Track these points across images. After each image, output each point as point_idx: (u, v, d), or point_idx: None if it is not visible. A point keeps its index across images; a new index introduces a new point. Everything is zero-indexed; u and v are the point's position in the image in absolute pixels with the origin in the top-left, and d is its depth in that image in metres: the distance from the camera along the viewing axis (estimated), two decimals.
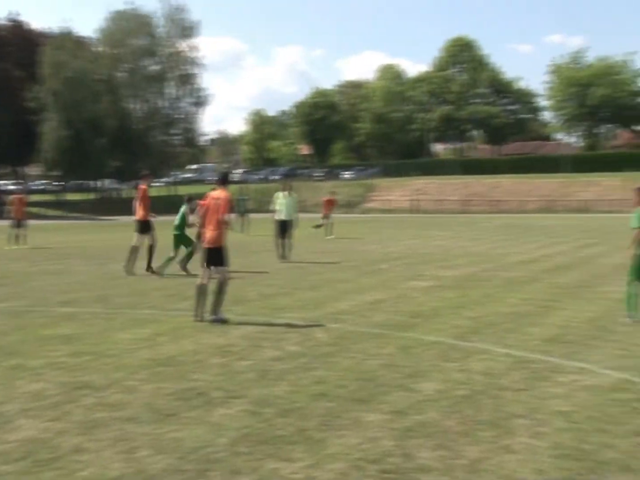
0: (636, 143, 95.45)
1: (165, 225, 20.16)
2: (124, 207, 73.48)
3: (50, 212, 67.05)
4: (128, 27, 77.24)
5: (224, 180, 11.52)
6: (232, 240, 16.85)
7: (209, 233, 10.80)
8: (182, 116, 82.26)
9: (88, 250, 25.19)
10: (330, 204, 33.48)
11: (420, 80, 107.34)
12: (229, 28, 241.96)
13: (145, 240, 17.38)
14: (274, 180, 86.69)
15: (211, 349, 8.90)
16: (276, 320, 10.80)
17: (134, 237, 17.53)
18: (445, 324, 10.51)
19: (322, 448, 5.42)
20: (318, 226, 32.50)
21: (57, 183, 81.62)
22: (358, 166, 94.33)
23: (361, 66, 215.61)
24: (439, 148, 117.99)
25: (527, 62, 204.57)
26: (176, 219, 17.46)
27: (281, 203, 20.32)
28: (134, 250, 17.21)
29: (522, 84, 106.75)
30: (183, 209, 17.47)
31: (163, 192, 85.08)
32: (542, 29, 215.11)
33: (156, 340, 9.46)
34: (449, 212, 67.71)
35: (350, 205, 72.93)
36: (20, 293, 14.20)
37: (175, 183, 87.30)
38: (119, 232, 39.29)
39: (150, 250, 17.22)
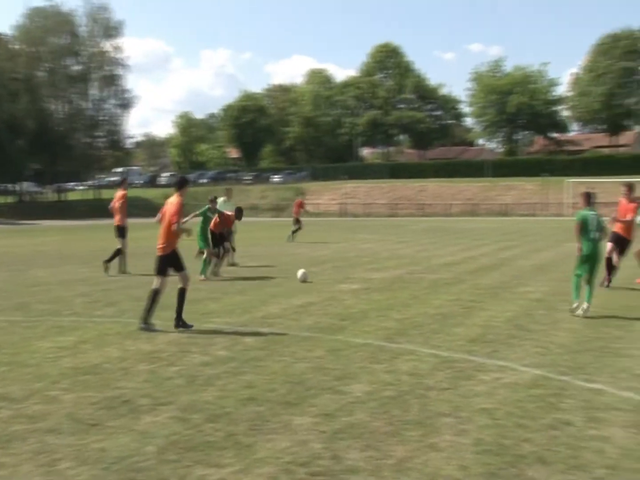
0: (551, 149, 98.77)
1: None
2: (45, 211, 72.05)
3: None
4: (48, 24, 75.69)
5: (181, 184, 11.17)
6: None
7: (162, 238, 10.67)
8: (107, 118, 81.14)
9: (6, 256, 24.47)
10: (299, 207, 31.39)
11: (348, 85, 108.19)
12: (155, 29, 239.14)
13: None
14: (202, 184, 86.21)
15: (138, 355, 8.78)
16: (204, 326, 10.75)
17: (117, 242, 18.32)
18: (373, 326, 10.61)
19: (252, 453, 5.42)
20: (294, 232, 30.26)
21: None
22: (287, 170, 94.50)
23: (290, 70, 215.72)
24: (366, 152, 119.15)
25: (450, 69, 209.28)
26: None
27: (222, 209, 19.90)
28: (120, 253, 18.27)
29: (445, 91, 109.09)
30: (204, 209, 17.95)
31: (87, 196, 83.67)
32: (464, 38, 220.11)
33: (80, 347, 9.27)
34: (376, 215, 68.49)
35: (279, 209, 72.99)
36: None
37: (99, 187, 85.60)
38: (39, 236, 38.35)
39: (118, 252, 18.17)
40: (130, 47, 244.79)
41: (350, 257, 22.58)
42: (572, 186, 58.47)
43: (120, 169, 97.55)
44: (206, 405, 6.63)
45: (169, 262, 10.77)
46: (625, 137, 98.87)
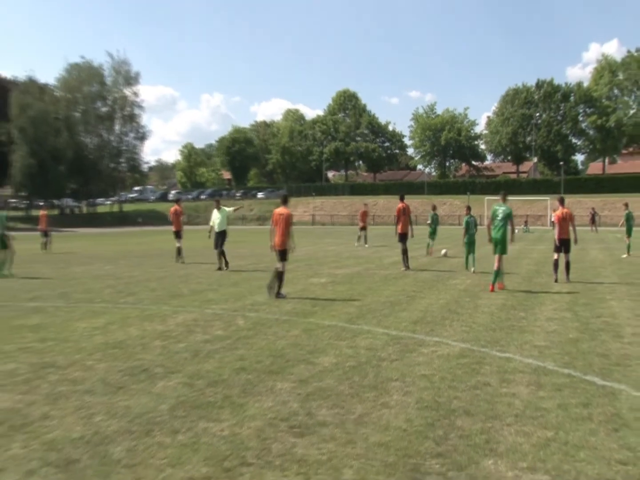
0: (473, 174, 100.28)
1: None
2: (80, 221, 71.34)
3: (20, 225, 64.36)
4: (82, 76, 75.74)
5: (285, 200, 12.57)
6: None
7: (278, 239, 12.08)
8: (127, 148, 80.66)
9: (51, 257, 24.08)
10: (365, 216, 29.56)
11: (316, 121, 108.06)
12: (164, 78, 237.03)
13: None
14: (201, 199, 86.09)
15: (153, 334, 8.71)
16: (205, 311, 10.68)
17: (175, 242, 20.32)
18: (338, 311, 10.62)
19: (243, 410, 5.40)
20: (359, 239, 29.28)
21: (25, 202, 78.70)
22: (269, 188, 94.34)
23: (270, 110, 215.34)
24: (331, 174, 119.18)
25: (395, 111, 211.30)
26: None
27: (216, 217, 18.55)
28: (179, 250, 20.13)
29: (392, 127, 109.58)
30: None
31: (113, 209, 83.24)
32: (405, 86, 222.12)
33: (108, 327, 9.18)
34: (339, 224, 68.57)
35: (263, 219, 72.78)
36: None
37: (122, 201, 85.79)
38: (75, 241, 37.78)
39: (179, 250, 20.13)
40: (146, 92, 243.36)
41: (319, 257, 22.60)
42: (488, 202, 59.53)
43: (137, 188, 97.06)
44: (207, 373, 6.60)
45: (284, 253, 12.08)
46: (525, 166, 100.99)
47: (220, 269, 17.69)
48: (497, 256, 13.01)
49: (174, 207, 21.13)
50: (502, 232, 12.95)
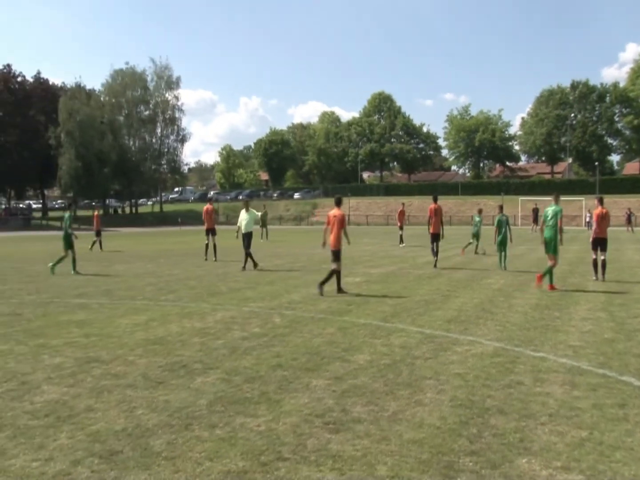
0: (507, 174, 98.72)
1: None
2: (123, 221, 72.68)
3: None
4: (126, 81, 77.22)
5: (338, 202, 12.65)
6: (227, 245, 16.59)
7: (332, 239, 12.26)
8: (168, 150, 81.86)
9: (95, 255, 24.61)
10: (402, 215, 29.43)
11: (351, 123, 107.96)
12: (205, 82, 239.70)
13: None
14: (240, 200, 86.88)
15: (192, 331, 8.80)
16: (243, 308, 10.76)
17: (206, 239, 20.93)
18: (373, 309, 10.57)
19: (280, 406, 5.41)
20: (401, 239, 28.78)
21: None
22: (305, 189, 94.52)
23: (307, 112, 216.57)
24: (366, 175, 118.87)
25: (430, 113, 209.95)
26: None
27: (244, 219, 18.09)
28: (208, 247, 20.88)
29: (426, 129, 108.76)
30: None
31: (154, 209, 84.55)
32: (440, 89, 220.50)
33: (149, 324, 9.32)
34: (374, 224, 68.30)
35: (299, 219, 73.01)
36: (44, 288, 13.83)
37: (163, 202, 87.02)
38: (119, 240, 38.56)
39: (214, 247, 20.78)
40: (186, 96, 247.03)
41: (354, 256, 22.53)
42: (522, 203, 58.86)
43: (178, 189, 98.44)
44: (244, 369, 6.63)
45: (338, 253, 12.28)
46: (560, 167, 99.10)
47: (244, 268, 17.39)
48: (549, 255, 12.93)
49: (206, 207, 21.56)
50: (553, 232, 12.85)
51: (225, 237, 28.63)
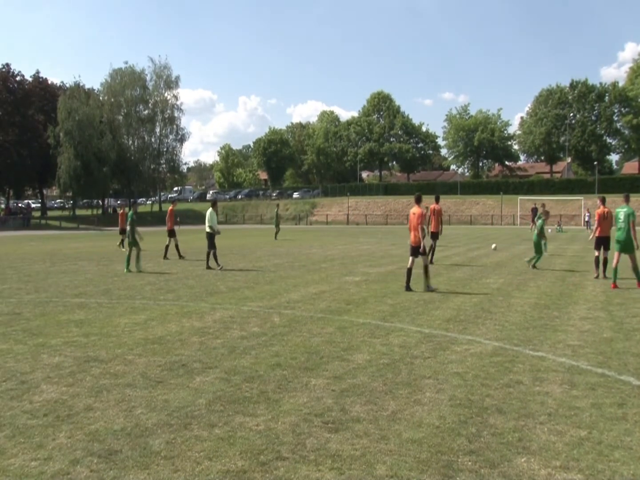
0: (506, 174, 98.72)
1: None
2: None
3: (65, 224, 66.18)
4: (125, 81, 76.86)
5: (418, 200, 12.95)
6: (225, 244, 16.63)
7: (413, 236, 12.74)
8: (167, 149, 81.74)
9: (95, 254, 24.61)
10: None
11: (350, 123, 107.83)
12: (204, 82, 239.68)
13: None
14: (238, 199, 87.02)
15: (191, 330, 8.80)
16: (242, 308, 10.76)
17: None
18: (371, 309, 10.58)
19: (279, 406, 5.41)
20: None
21: (70, 201, 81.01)
22: (304, 188, 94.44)
23: (306, 112, 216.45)
24: (365, 175, 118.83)
25: (429, 112, 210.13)
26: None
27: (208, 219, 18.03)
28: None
29: (425, 128, 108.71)
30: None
31: (153, 209, 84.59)
32: (438, 88, 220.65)
33: (148, 323, 9.32)
34: (373, 223, 68.32)
35: (298, 218, 72.99)
36: (43, 287, 13.81)
37: (162, 201, 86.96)
38: (119, 239, 38.44)
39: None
40: (185, 95, 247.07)
41: (353, 256, 22.55)
42: (521, 202, 58.81)
43: (177, 188, 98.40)
44: (243, 369, 6.63)
45: (417, 249, 12.70)
46: (559, 166, 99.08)
47: (208, 267, 17.57)
48: (616, 254, 13.16)
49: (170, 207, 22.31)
50: (626, 233, 13.07)
51: (226, 237, 28.60)
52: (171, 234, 21.87)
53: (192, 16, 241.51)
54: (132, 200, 21.04)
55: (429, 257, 17.83)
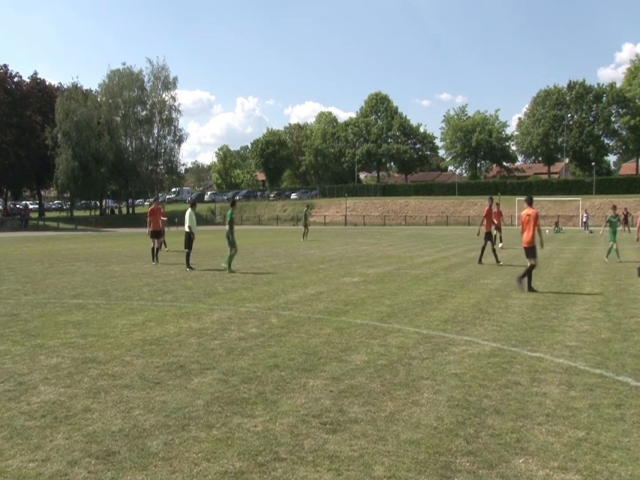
0: (503, 175, 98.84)
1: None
2: (120, 221, 72.65)
3: (63, 225, 66.06)
4: (123, 82, 76.93)
5: (530, 201, 13.13)
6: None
7: (526, 236, 12.72)
8: (165, 150, 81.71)
9: (92, 255, 24.57)
10: (499, 215, 26.22)
11: (348, 124, 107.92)
12: (201, 83, 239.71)
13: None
14: (236, 200, 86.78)
15: (189, 331, 8.79)
16: (240, 309, 10.75)
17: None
18: (369, 310, 10.57)
19: (277, 407, 5.41)
20: (496, 239, 26.28)
21: (68, 202, 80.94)
22: (302, 189, 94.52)
23: (304, 112, 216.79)
24: (363, 176, 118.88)
25: (426, 113, 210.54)
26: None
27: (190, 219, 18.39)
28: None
29: (423, 129, 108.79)
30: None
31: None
32: (436, 89, 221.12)
33: (146, 324, 9.31)
34: (371, 224, 68.34)
35: (296, 219, 72.92)
36: (41, 288, 13.79)
37: (160, 202, 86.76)
38: (116, 240, 38.46)
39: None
40: (183, 96, 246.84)
41: (351, 256, 22.56)
42: (519, 203, 58.92)
43: (175, 189, 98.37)
44: (241, 370, 6.63)
45: (532, 250, 12.69)
46: (557, 167, 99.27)
47: (189, 268, 17.84)
48: None
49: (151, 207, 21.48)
50: None
51: (218, 238, 28.61)
52: (154, 235, 20.48)
53: (190, 17, 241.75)
54: (232, 201, 19.19)
55: (480, 255, 18.93)
